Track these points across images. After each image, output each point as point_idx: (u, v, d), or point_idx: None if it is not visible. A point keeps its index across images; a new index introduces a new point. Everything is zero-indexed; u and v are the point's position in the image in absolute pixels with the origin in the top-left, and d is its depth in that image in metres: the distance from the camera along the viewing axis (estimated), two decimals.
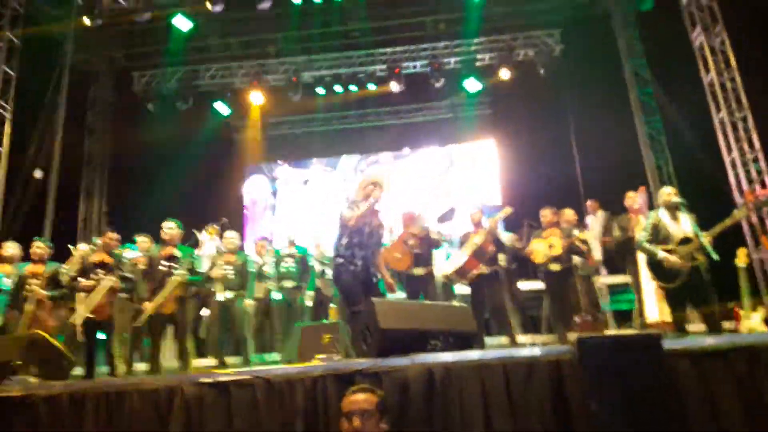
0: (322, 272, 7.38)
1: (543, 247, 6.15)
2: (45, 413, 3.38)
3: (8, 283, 6.00)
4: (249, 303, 6.61)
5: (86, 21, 10.42)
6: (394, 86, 12.10)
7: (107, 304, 5.70)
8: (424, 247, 6.45)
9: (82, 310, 5.55)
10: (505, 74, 11.76)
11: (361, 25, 11.88)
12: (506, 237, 6.47)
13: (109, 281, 5.65)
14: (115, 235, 6.16)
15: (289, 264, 7.23)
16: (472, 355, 3.26)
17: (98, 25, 10.59)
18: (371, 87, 12.40)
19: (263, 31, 11.98)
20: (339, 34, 12.07)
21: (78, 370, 5.36)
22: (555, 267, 6.13)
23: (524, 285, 7.67)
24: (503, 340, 6.38)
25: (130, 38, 11.99)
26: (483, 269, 6.09)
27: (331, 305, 6.81)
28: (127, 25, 11.02)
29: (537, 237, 6.29)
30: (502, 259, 6.47)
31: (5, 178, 9.74)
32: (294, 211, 13.40)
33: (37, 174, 9.44)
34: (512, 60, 11.92)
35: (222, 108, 12.71)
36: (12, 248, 6.24)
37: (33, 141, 9.64)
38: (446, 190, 13.07)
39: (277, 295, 7.11)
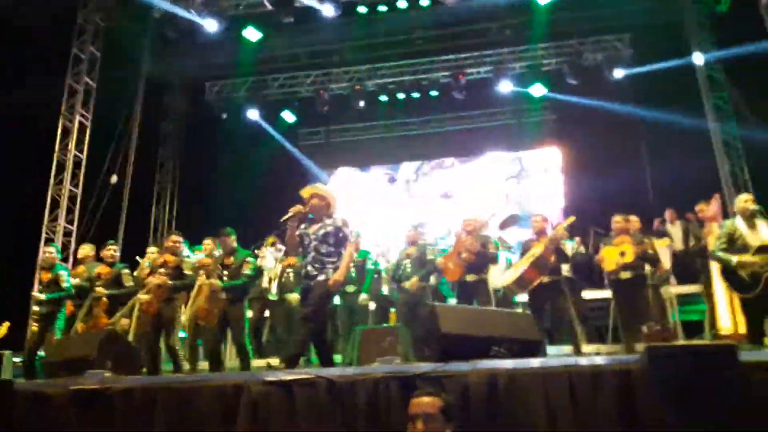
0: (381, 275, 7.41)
1: (614, 255, 5.95)
2: (120, 405, 3.54)
3: (74, 282, 6.32)
4: (295, 297, 6.66)
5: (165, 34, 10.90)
6: (458, 92, 12.07)
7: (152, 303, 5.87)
8: (479, 261, 6.34)
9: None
10: (575, 78, 11.53)
11: (424, 33, 11.93)
12: (570, 246, 6.30)
13: (158, 279, 5.84)
14: (178, 238, 6.39)
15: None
16: (536, 362, 3.20)
17: (173, 38, 11.07)
18: (434, 93, 12.42)
19: (328, 41, 12.22)
20: (402, 43, 12.16)
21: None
22: (625, 275, 5.91)
23: (588, 294, 7.46)
24: (566, 349, 6.21)
25: (203, 50, 12.47)
26: (544, 278, 5.94)
27: (392, 309, 6.85)
28: (199, 37, 11.45)
29: (607, 244, 6.09)
30: (566, 269, 6.30)
31: (84, 183, 10.33)
32: (351, 215, 13.53)
33: (113, 179, 9.94)
34: (579, 65, 11.67)
35: (288, 116, 13.04)
36: (86, 250, 6.60)
37: (110, 148, 10.15)
38: (509, 196, 12.90)
39: (336, 300, 7.19)
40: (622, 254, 5.90)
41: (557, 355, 5.95)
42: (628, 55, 11.54)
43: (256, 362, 6.41)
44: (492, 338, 3.35)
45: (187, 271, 6.02)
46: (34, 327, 6.06)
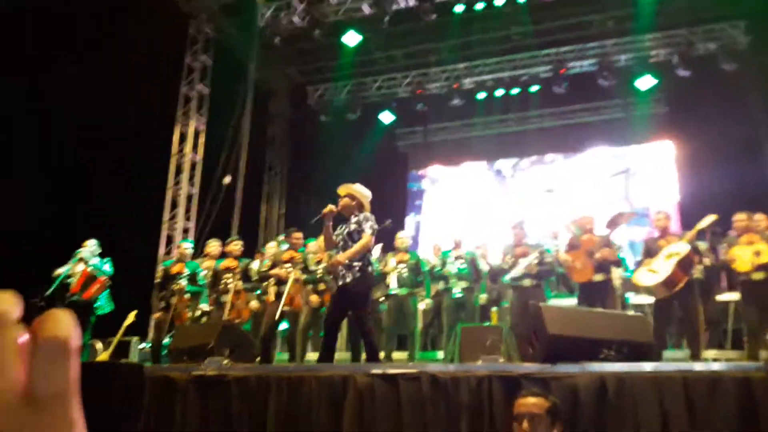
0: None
1: (748, 255, 5.51)
2: (236, 391, 3.78)
3: (205, 276, 6.81)
4: (428, 302, 6.78)
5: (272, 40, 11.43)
6: (559, 87, 11.75)
7: (295, 296, 6.22)
8: (608, 263, 6.09)
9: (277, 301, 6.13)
10: (688, 68, 10.89)
11: (523, 28, 11.70)
12: (700, 247, 5.92)
13: (294, 274, 6.15)
14: (299, 234, 6.70)
15: (459, 265, 7.26)
16: (648, 366, 3.09)
17: (277, 45, 11.57)
18: (534, 89, 12.16)
19: (425, 42, 12.28)
20: (500, 39, 11.99)
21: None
22: (758, 276, 5.46)
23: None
24: (681, 353, 5.88)
25: (305, 55, 12.93)
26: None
27: (493, 309, 6.79)
28: (301, 43, 11.89)
29: (732, 244, 5.69)
30: (697, 270, 5.94)
31: (200, 184, 11.05)
32: (443, 213, 13.52)
33: (227, 180, 10.54)
34: (691, 55, 10.99)
35: (386, 117, 13.25)
36: (215, 246, 7.08)
37: (223, 150, 10.78)
38: (616, 193, 12.38)
39: (452, 295, 7.22)
40: (757, 254, 5.47)
41: (672, 359, 5.65)
42: (744, 44, 10.73)
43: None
44: (602, 340, 3.27)
45: (311, 266, 6.36)
46: (163, 314, 6.58)
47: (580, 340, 3.27)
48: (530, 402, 2.46)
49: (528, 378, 3.14)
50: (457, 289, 7.08)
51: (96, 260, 7.06)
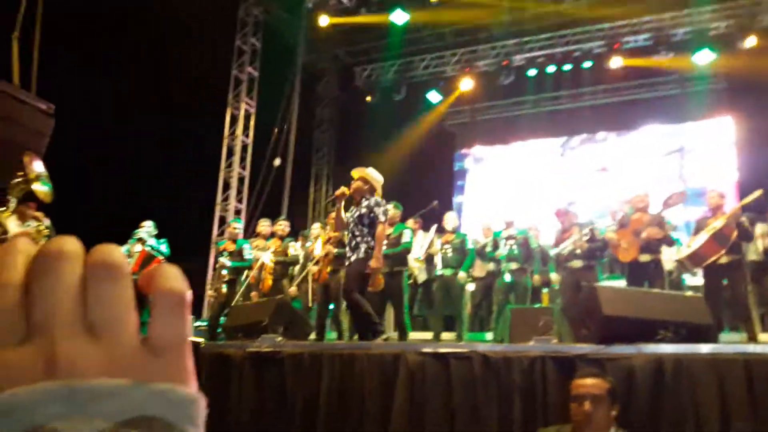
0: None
1: None
2: (290, 367, 3.88)
3: (253, 254, 6.98)
4: (462, 276, 6.72)
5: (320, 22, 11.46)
6: (614, 62, 11.38)
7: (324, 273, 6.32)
8: (655, 243, 5.93)
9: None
10: (750, 41, 10.37)
11: (575, 2, 11.35)
12: (760, 228, 5.69)
13: (324, 249, 6.26)
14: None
15: (510, 245, 7.18)
16: (706, 348, 3.01)
17: (324, 26, 11.59)
18: (587, 65, 11.82)
19: (474, 18, 12.06)
20: (552, 14, 11.66)
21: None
22: None
23: None
24: (739, 336, 5.69)
25: (352, 36, 12.89)
26: (722, 257, 5.41)
27: (544, 290, 6.72)
28: (349, 24, 11.87)
29: None
30: (753, 251, 5.73)
31: (251, 166, 11.26)
32: (488, 193, 13.37)
33: (277, 162, 10.70)
34: (755, 27, 10.44)
35: (434, 96, 13.14)
36: (265, 225, 7.28)
37: (273, 133, 10.94)
38: (671, 171, 11.97)
39: (503, 277, 7.17)
40: None
41: (730, 341, 5.48)
42: None
43: (413, 335, 6.65)
44: (658, 321, 3.20)
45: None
46: (219, 292, 6.81)
47: (636, 321, 3.21)
48: (589, 383, 2.43)
49: (583, 359, 3.10)
50: (508, 273, 7.00)
51: (153, 241, 7.31)
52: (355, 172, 5.19)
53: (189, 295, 0.34)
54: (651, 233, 5.76)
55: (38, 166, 5.40)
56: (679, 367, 2.89)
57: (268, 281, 6.73)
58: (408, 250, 6.21)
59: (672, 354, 2.96)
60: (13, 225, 5.30)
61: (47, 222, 5.64)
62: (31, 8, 6.16)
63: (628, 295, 3.50)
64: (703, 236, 5.39)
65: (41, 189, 5.32)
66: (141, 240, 7.19)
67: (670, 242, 6.06)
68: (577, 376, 2.51)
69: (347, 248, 4.93)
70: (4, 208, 5.41)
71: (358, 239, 4.86)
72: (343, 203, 4.98)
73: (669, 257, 6.24)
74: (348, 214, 5.02)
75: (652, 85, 12.55)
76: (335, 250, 6.25)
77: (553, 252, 6.51)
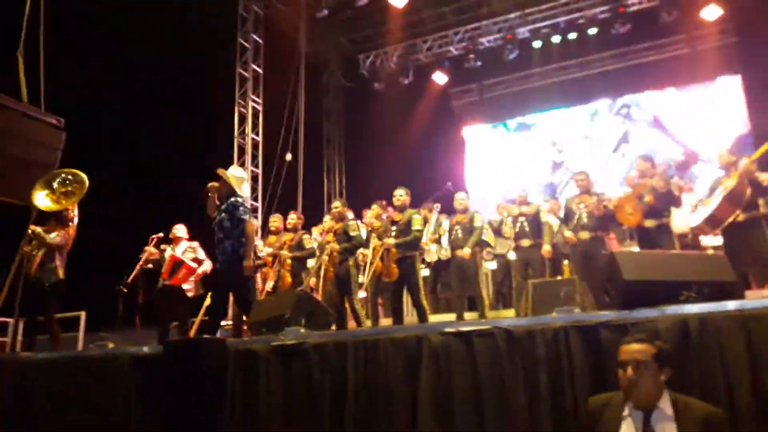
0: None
1: None
2: (315, 358, 3.89)
3: (268, 251, 7.01)
4: (466, 253, 6.61)
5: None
6: (618, 27, 11.18)
7: (328, 267, 6.33)
8: (662, 203, 5.85)
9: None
10: None
11: None
12: (766, 177, 5.59)
13: (330, 247, 6.28)
14: (337, 204, 6.91)
15: (521, 222, 7.10)
16: (732, 305, 2.96)
17: (324, 16, 11.53)
18: (592, 32, 11.62)
19: None
20: None
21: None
22: None
23: None
24: (766, 293, 5.59)
25: (353, 24, 12.82)
26: (739, 216, 5.33)
27: (565, 262, 6.66)
28: (349, 12, 11.79)
29: None
30: (762, 204, 5.63)
31: (264, 162, 11.30)
32: (494, 170, 13.29)
33: (288, 157, 10.73)
34: None
35: (440, 77, 13.04)
36: (276, 220, 7.30)
37: (282, 128, 10.94)
38: (683, 134, 11.77)
39: (512, 255, 7.13)
40: None
41: (757, 297, 5.40)
42: None
43: (436, 317, 6.65)
44: (680, 282, 3.15)
45: (353, 233, 6.42)
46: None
47: (657, 283, 3.16)
48: (634, 348, 2.41)
49: (606, 326, 3.07)
50: (522, 250, 6.96)
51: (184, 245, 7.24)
52: (220, 172, 5.45)
53: None
54: (651, 199, 5.68)
55: None
56: (704, 327, 2.84)
57: (288, 278, 6.76)
58: (419, 238, 6.19)
59: (697, 314, 2.91)
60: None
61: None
62: (34, 23, 6.23)
63: (647, 259, 3.46)
64: (718, 197, 5.30)
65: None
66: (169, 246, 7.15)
67: (676, 201, 5.95)
68: (623, 342, 2.50)
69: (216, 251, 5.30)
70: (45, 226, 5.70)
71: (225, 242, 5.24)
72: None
73: (686, 224, 6.13)
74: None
75: (659, 47, 12.33)
76: (338, 246, 6.33)
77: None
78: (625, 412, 2.39)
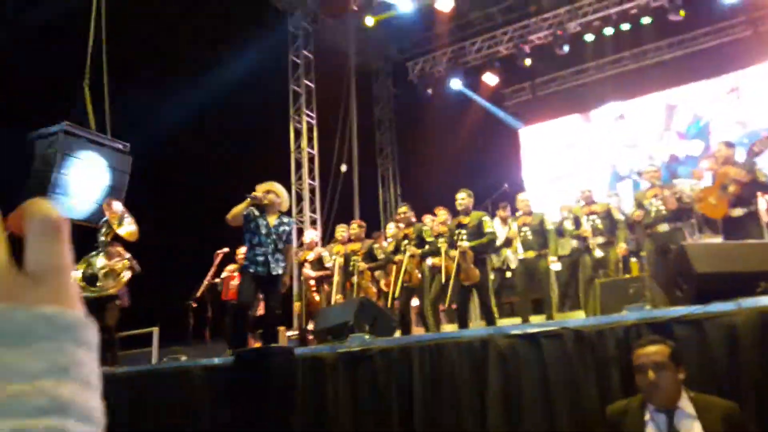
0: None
1: None
2: (381, 364, 3.92)
3: (338, 260, 7.11)
4: (552, 260, 6.55)
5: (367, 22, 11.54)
6: (674, 14, 10.80)
7: (412, 272, 6.33)
8: (748, 191, 5.59)
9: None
10: None
11: None
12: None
13: (409, 250, 6.27)
14: (403, 209, 6.92)
15: (593, 220, 6.86)
16: None
17: (371, 25, 11.65)
18: (646, 21, 11.27)
19: None
20: None
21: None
22: None
23: None
24: None
25: (400, 31, 12.89)
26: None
27: (633, 260, 6.46)
28: (396, 20, 11.87)
29: None
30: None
31: (320, 174, 11.49)
32: (554, 169, 12.99)
33: (343, 168, 10.87)
34: None
35: (490, 78, 12.92)
36: (341, 230, 7.40)
37: (336, 140, 11.11)
38: (742, 119, 11.19)
39: (592, 254, 6.94)
40: None
41: None
42: None
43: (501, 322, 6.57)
44: (757, 273, 3.01)
45: (428, 239, 6.44)
46: (311, 300, 7.01)
47: (732, 275, 3.04)
48: (651, 350, 2.38)
49: (680, 321, 2.97)
50: (597, 248, 6.72)
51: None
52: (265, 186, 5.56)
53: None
54: (736, 188, 5.43)
55: (117, 207, 5.78)
56: None
57: (371, 290, 6.84)
58: (494, 240, 6.16)
59: None
60: (99, 262, 5.75)
61: (127, 256, 6.07)
62: (98, 53, 6.58)
63: (720, 250, 3.32)
64: None
65: (126, 230, 5.70)
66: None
67: (764, 187, 5.66)
68: (636, 347, 2.47)
69: (269, 258, 5.21)
70: (95, 252, 5.87)
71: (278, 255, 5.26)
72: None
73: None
74: (270, 222, 5.36)
75: (717, 32, 11.83)
76: (418, 251, 6.35)
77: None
78: (647, 417, 2.35)
